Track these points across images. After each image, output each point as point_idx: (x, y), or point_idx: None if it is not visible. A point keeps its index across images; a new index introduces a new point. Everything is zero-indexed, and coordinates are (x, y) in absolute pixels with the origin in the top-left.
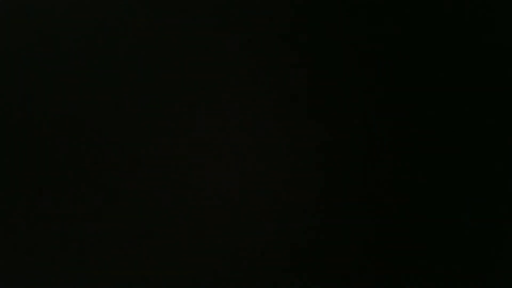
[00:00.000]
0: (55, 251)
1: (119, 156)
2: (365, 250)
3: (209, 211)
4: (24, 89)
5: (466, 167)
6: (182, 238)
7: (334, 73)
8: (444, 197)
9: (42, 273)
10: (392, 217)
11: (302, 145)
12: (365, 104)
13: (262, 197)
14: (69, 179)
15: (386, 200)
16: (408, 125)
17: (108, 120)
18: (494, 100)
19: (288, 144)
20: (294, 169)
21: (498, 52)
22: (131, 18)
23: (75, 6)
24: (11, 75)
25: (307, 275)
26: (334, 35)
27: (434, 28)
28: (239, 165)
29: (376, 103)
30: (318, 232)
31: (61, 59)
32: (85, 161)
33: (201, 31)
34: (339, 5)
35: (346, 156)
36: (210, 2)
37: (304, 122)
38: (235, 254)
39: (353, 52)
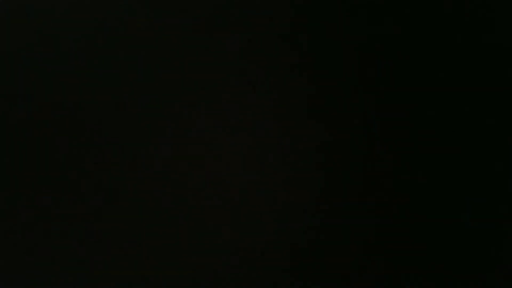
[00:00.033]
0: (55, 251)
1: (119, 156)
2: (365, 250)
3: (209, 211)
4: (24, 89)
5: (466, 167)
6: (182, 238)
7: (334, 73)
8: (444, 197)
9: (42, 273)
10: (392, 217)
11: (302, 145)
12: (365, 104)
13: (262, 197)
14: (69, 178)
15: (386, 200)
16: (408, 125)
17: (108, 120)
18: (494, 100)
19: (288, 144)
20: (294, 169)
21: (498, 52)
22: (131, 18)
23: (75, 6)
24: (11, 75)
25: (307, 275)
26: (334, 35)
27: (434, 28)
28: (239, 165)
29: (376, 103)
30: (318, 232)
31: (61, 59)
32: (85, 160)
33: (201, 31)
34: (339, 5)
35: (346, 156)
36: (210, 2)
37: (304, 122)
38: (235, 254)
39: (353, 52)
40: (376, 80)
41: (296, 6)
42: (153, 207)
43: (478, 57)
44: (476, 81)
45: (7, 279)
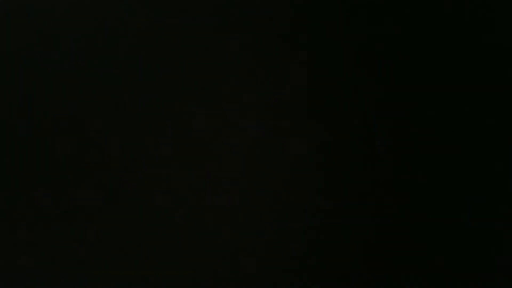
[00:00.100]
0: (55, 251)
1: (119, 156)
2: (365, 250)
3: (209, 211)
4: (24, 89)
5: (466, 167)
6: (182, 238)
7: (334, 73)
8: (444, 197)
9: (42, 273)
10: (392, 217)
11: (302, 145)
12: (365, 104)
13: (262, 197)
14: (69, 179)
15: (386, 200)
16: (408, 125)
17: (108, 120)
18: (494, 100)
19: (288, 144)
20: (294, 169)
21: (498, 52)
22: (131, 18)
23: (75, 6)
24: (11, 75)
25: (307, 275)
26: (334, 35)
27: (434, 28)
28: (239, 165)
29: (376, 103)
30: (318, 232)
31: (61, 59)
32: (85, 161)
33: (201, 31)
34: (339, 5)
35: (346, 156)
36: (210, 2)
37: (304, 122)
38: (235, 254)
39: (353, 52)
40: (376, 80)
41: (296, 6)
42: (153, 207)
43: (478, 57)
44: (476, 81)
45: (7, 279)
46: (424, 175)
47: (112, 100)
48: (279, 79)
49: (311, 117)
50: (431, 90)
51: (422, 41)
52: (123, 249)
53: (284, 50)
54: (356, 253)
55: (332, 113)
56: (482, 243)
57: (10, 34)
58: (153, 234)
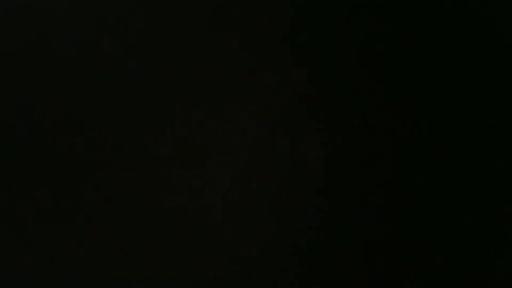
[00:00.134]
0: (55, 251)
1: (119, 156)
2: (365, 250)
3: (209, 211)
4: (24, 89)
5: (466, 167)
6: (182, 238)
7: (334, 73)
8: (444, 197)
9: (42, 273)
10: (392, 217)
11: (302, 145)
12: (365, 104)
13: (262, 197)
14: (69, 179)
15: (386, 200)
16: (408, 125)
17: (108, 120)
18: (494, 100)
19: (288, 144)
20: (294, 169)
21: (498, 52)
22: (131, 18)
23: (75, 6)
24: (11, 75)
25: (307, 275)
26: (334, 35)
27: (434, 28)
28: (239, 165)
29: (376, 103)
30: (318, 232)
31: (61, 59)
32: (85, 161)
33: (201, 31)
34: (339, 5)
35: (346, 156)
36: (210, 2)
37: (304, 122)
38: (235, 254)
39: (353, 52)
40: (376, 80)
41: (296, 6)
42: (153, 207)
43: (478, 57)
44: (476, 81)
45: (7, 279)
46: (424, 175)
47: (112, 100)
48: (279, 79)
49: (311, 117)
50: (431, 90)
51: (422, 41)
52: (123, 249)
53: (284, 50)
54: (356, 253)
55: (332, 113)
56: (482, 243)
57: (10, 34)
58: (153, 234)
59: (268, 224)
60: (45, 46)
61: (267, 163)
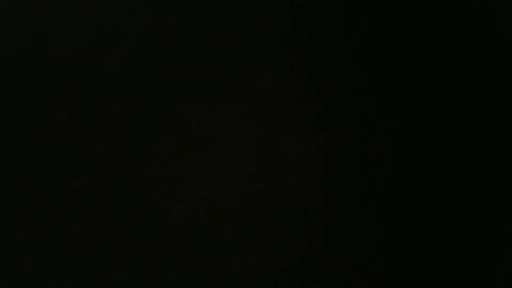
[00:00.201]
0: (55, 251)
1: (119, 156)
2: (365, 250)
3: (209, 211)
4: (24, 89)
5: (466, 167)
6: (182, 238)
7: (334, 73)
8: (444, 197)
9: (42, 273)
10: (392, 217)
11: (302, 145)
12: (365, 104)
13: (262, 197)
14: (69, 179)
15: (386, 200)
16: (408, 125)
17: (108, 120)
18: (494, 100)
19: (288, 144)
20: (294, 169)
21: (498, 52)
22: (131, 18)
23: (75, 6)
24: (11, 75)
25: (307, 275)
26: (334, 35)
27: (434, 28)
28: (239, 165)
29: (376, 103)
30: (318, 232)
31: (61, 59)
32: (85, 161)
33: (201, 31)
34: (339, 5)
35: (346, 156)
36: (210, 2)
37: (304, 122)
38: (235, 254)
39: (353, 52)
40: (376, 80)
41: (296, 6)
42: (153, 207)
43: (478, 57)
44: (476, 81)
45: (7, 279)
46: (424, 175)
47: (112, 100)
48: (279, 79)
49: (311, 117)
50: (431, 90)
51: (422, 41)
52: (123, 249)
53: (284, 50)
54: (356, 253)
55: (332, 113)
56: (482, 243)
57: (10, 34)
58: (153, 234)
59: (268, 224)
60: (45, 46)
61: (267, 163)
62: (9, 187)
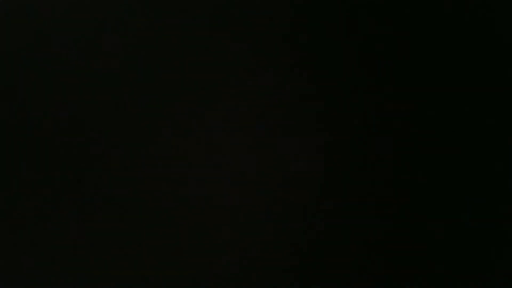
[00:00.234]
0: (55, 251)
1: (119, 156)
2: (365, 250)
3: (209, 211)
4: (24, 89)
5: (466, 167)
6: (182, 238)
7: (334, 73)
8: (444, 197)
9: (42, 273)
10: (392, 217)
11: (302, 144)
12: (365, 104)
13: (262, 197)
14: (69, 179)
15: (386, 200)
16: (408, 125)
17: (108, 120)
18: (494, 100)
19: (288, 144)
20: (294, 169)
21: (498, 52)
22: (131, 18)
23: (75, 6)
24: (11, 75)
25: (307, 275)
26: (334, 35)
27: (434, 28)
28: (239, 164)
29: (376, 103)
30: (318, 232)
31: (61, 59)
32: (85, 160)
33: (201, 31)
34: (339, 5)
35: (346, 156)
36: (210, 2)
37: (304, 122)
38: (235, 254)
39: (353, 52)
40: (376, 80)
41: (296, 6)
42: (153, 207)
43: (478, 57)
44: (476, 81)
45: (7, 279)
46: (424, 175)
47: (112, 100)
48: (279, 79)
49: (311, 117)
50: (431, 90)
51: (422, 41)
52: (123, 249)
53: (284, 50)
54: (356, 253)
55: (332, 113)
56: (482, 243)
57: (10, 34)
58: (153, 234)
59: (268, 224)
60: (45, 46)
61: (267, 163)
62: (9, 187)
